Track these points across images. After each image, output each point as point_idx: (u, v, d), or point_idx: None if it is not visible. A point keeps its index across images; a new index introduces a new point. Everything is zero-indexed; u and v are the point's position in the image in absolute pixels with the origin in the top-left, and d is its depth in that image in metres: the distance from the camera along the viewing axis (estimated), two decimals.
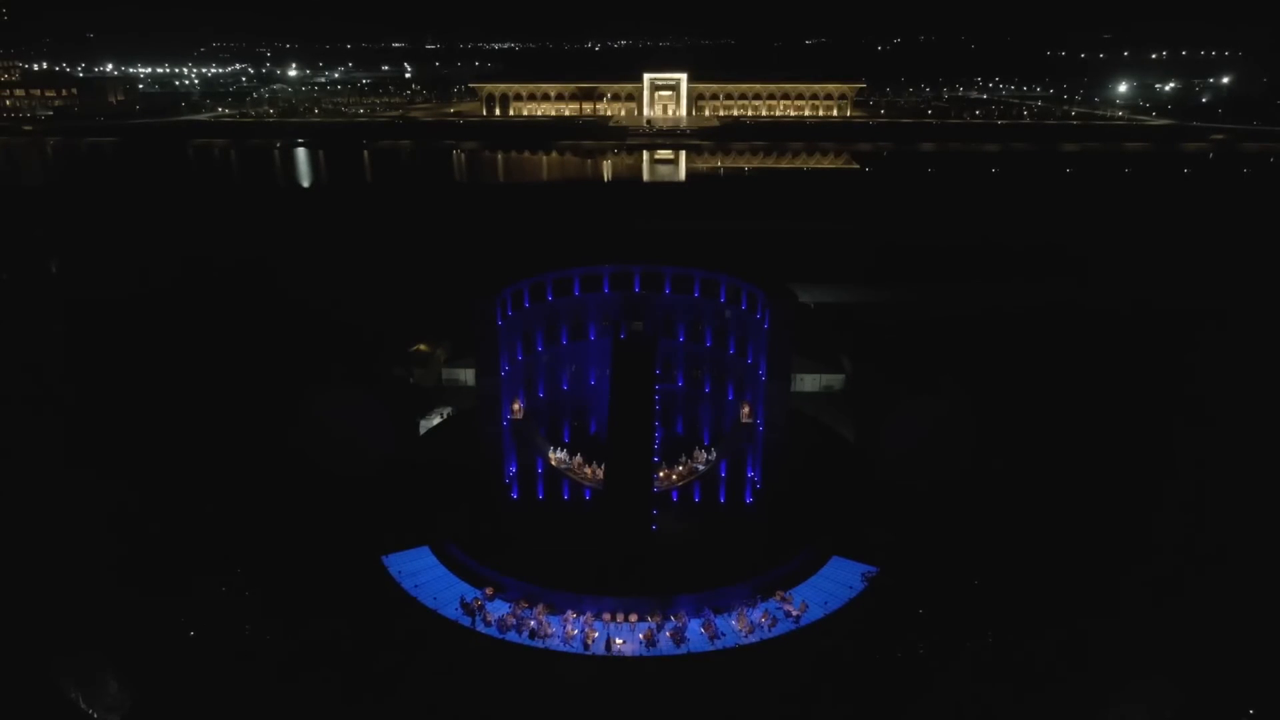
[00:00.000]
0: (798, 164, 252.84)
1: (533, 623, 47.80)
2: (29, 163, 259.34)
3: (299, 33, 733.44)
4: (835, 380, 76.46)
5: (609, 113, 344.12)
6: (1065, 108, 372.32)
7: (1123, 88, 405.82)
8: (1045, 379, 76.72)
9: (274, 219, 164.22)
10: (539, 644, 46.86)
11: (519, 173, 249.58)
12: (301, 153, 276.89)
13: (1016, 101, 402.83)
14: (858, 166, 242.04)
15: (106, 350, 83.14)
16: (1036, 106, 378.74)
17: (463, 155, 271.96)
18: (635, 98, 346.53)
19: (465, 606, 49.07)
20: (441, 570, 53.10)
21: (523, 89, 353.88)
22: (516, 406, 62.50)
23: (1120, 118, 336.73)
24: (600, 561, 51.21)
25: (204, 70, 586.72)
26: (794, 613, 48.90)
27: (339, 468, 58.23)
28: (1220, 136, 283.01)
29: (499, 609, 49.37)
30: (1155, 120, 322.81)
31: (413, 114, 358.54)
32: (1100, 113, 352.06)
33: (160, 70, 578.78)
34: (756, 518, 59.73)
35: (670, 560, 52.67)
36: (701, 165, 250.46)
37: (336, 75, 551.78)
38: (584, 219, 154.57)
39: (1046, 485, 60.24)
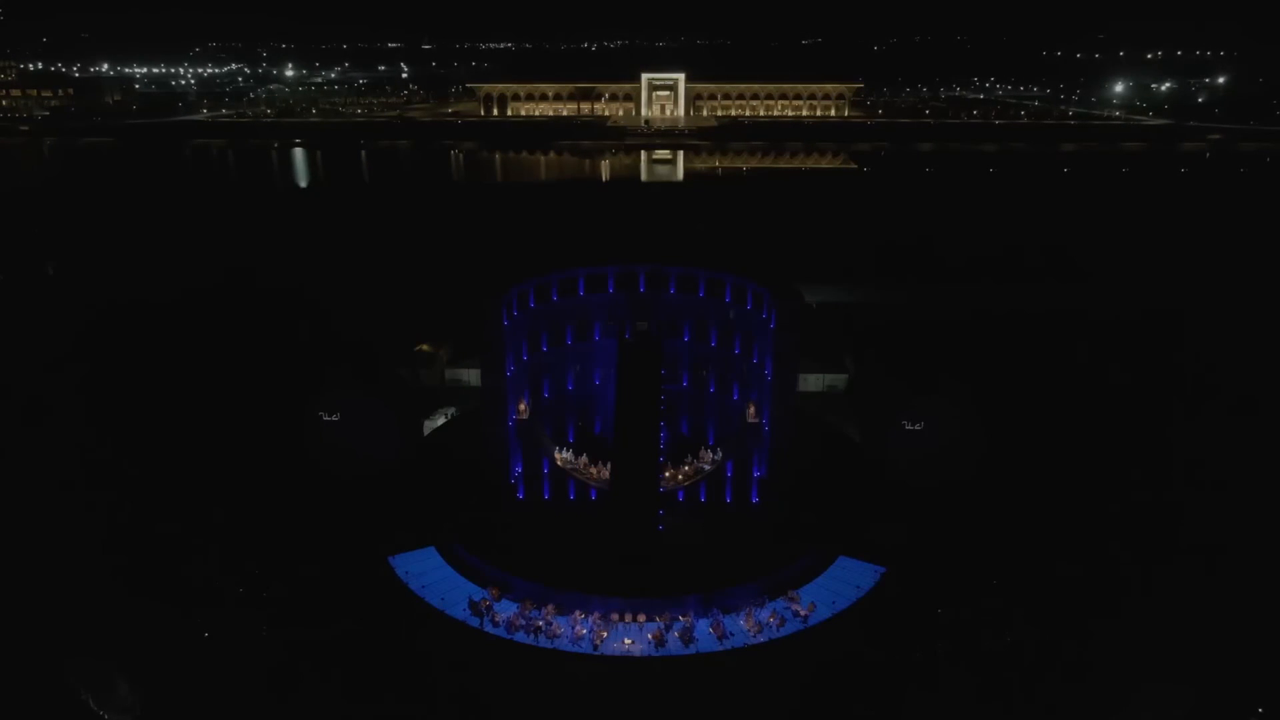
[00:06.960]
0: (796, 164, 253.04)
1: (541, 623, 47.80)
2: (26, 163, 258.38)
3: (295, 33, 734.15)
4: (839, 380, 76.29)
5: (607, 113, 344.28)
6: (1062, 108, 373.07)
7: (1119, 88, 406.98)
8: (1048, 378, 76.82)
9: (273, 220, 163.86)
10: (547, 644, 46.87)
11: (518, 173, 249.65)
12: (299, 153, 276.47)
13: (1014, 102, 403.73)
14: (856, 166, 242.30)
15: (109, 353, 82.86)
16: (1034, 106, 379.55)
17: (461, 155, 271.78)
18: (633, 98, 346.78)
19: (473, 607, 49.05)
20: (448, 571, 52.98)
21: (520, 89, 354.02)
22: (522, 407, 62.50)
23: (1117, 118, 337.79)
24: (607, 561, 51.17)
25: (200, 70, 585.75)
26: (802, 612, 48.89)
27: (344, 469, 58.11)
28: (1217, 136, 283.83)
29: (507, 609, 49.34)
30: (1152, 120, 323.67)
31: (410, 114, 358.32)
32: (1097, 113, 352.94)
33: (156, 70, 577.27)
34: (763, 517, 59.73)
35: (677, 560, 52.65)
36: (700, 165, 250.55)
37: (333, 75, 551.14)
38: (586, 219, 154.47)
39: (1051, 484, 60.31)
